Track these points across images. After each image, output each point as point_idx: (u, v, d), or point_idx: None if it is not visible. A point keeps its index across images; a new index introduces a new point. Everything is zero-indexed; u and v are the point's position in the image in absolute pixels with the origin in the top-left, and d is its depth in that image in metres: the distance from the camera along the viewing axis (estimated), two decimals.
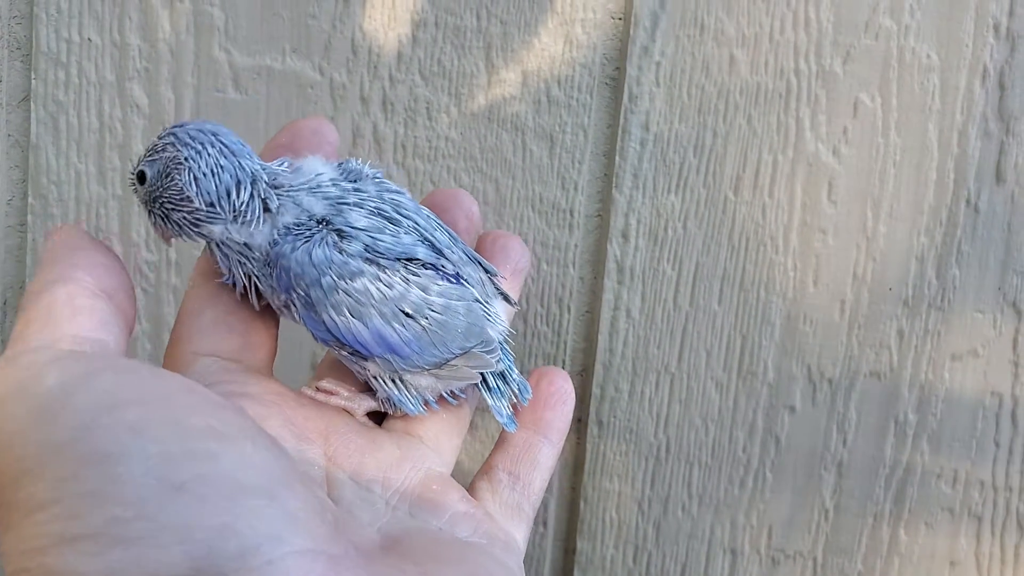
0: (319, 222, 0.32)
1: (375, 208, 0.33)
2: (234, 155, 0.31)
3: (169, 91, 0.46)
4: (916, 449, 0.47)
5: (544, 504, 0.48)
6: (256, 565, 0.24)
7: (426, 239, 0.33)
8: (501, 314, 0.35)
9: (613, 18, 0.45)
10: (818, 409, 0.47)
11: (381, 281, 0.32)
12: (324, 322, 0.32)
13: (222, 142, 0.31)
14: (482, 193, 0.46)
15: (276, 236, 0.32)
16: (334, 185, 0.33)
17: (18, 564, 0.24)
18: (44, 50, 0.45)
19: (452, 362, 0.33)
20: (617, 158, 0.45)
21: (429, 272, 0.32)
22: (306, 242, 0.31)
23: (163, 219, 0.32)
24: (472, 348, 0.33)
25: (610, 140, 0.46)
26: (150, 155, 0.32)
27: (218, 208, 0.31)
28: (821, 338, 0.47)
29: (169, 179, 0.31)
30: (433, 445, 0.34)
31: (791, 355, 0.47)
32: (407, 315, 0.32)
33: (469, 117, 0.46)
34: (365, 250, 0.32)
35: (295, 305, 0.32)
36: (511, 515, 0.34)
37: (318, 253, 0.31)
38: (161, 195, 0.32)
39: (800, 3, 0.44)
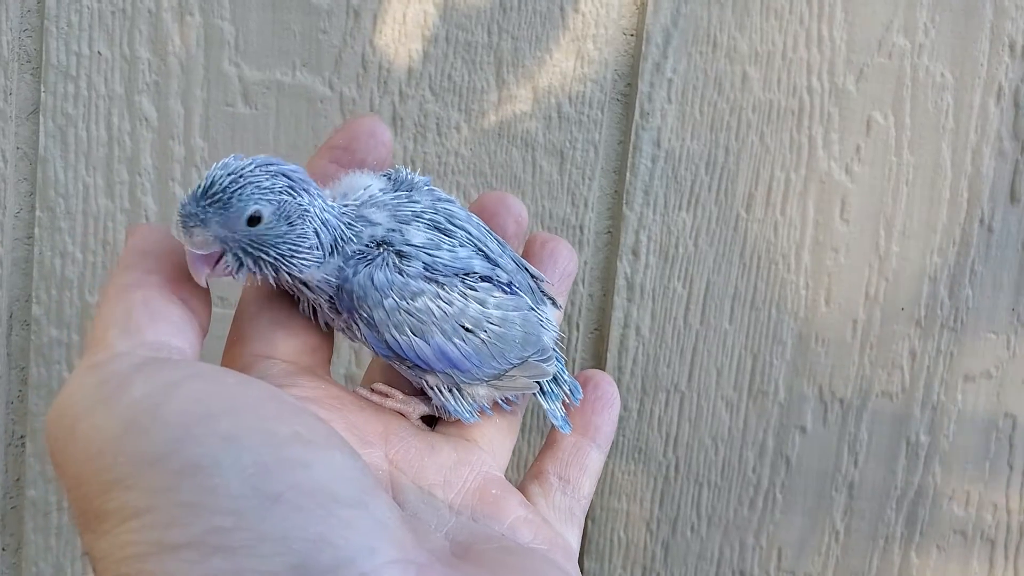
0: (379, 244, 0.32)
1: (430, 220, 0.33)
2: (323, 199, 0.32)
3: (179, 105, 0.45)
4: (928, 471, 0.47)
5: None
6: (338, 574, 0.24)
7: (480, 250, 0.33)
8: (552, 319, 0.35)
9: (625, 34, 0.45)
10: (829, 429, 0.47)
11: (441, 299, 0.32)
12: (386, 341, 0.32)
13: (318, 192, 0.31)
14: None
15: (342, 264, 0.32)
16: (385, 194, 0.33)
17: (116, 571, 0.24)
18: (54, 63, 0.45)
19: (510, 372, 0.34)
20: (628, 175, 0.45)
21: (485, 285, 0.33)
22: (367, 265, 0.32)
23: (260, 261, 0.31)
24: (529, 357, 0.34)
25: (621, 157, 0.45)
26: (256, 190, 0.30)
27: (328, 253, 0.32)
28: (833, 358, 0.46)
29: (291, 225, 0.31)
30: (488, 448, 0.34)
31: (802, 375, 0.46)
32: (467, 330, 0.33)
33: (479, 133, 0.45)
34: (424, 269, 0.32)
35: (358, 325, 0.33)
36: (564, 519, 0.34)
37: (379, 276, 0.32)
38: (279, 238, 0.31)
39: (813, 21, 0.44)
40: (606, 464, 0.47)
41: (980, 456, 0.47)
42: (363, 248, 0.32)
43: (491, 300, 0.33)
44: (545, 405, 0.35)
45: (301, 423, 0.26)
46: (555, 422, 0.35)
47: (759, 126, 0.45)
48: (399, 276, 0.32)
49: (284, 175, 0.30)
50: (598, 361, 0.47)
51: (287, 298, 0.34)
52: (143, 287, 0.29)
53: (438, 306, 0.32)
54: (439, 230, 0.33)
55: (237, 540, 0.24)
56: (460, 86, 0.45)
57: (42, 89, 0.45)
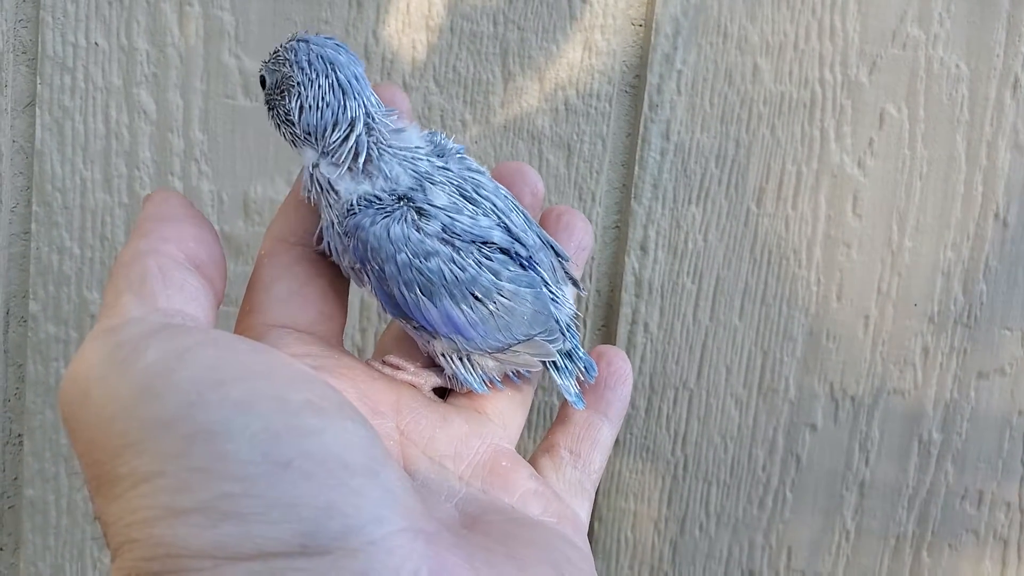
0: (400, 199, 0.32)
1: (457, 187, 0.33)
2: (343, 93, 0.32)
3: (177, 97, 0.44)
4: (940, 469, 0.46)
5: None
6: (359, 545, 0.24)
7: (503, 223, 0.33)
8: (569, 298, 0.35)
9: (634, 24, 0.44)
10: (840, 427, 0.46)
11: (455, 263, 0.32)
12: (394, 296, 0.32)
13: (336, 75, 0.32)
14: None
15: (355, 202, 0.32)
16: (427, 161, 0.33)
17: (125, 535, 0.24)
18: (50, 54, 0.44)
19: (515, 347, 0.33)
20: (636, 168, 0.44)
21: (502, 257, 0.33)
22: (385, 217, 0.32)
23: (275, 125, 0.33)
24: (536, 336, 0.33)
25: (629, 150, 0.45)
26: (273, 62, 0.33)
27: (314, 139, 0.32)
28: (844, 354, 0.45)
29: (281, 95, 0.33)
30: (499, 421, 0.34)
31: (813, 372, 0.45)
32: (476, 298, 0.32)
33: (485, 125, 0.44)
34: (443, 230, 0.32)
35: (369, 276, 0.33)
36: (575, 492, 0.34)
37: (396, 230, 0.32)
38: (274, 106, 0.33)
39: (826, 11, 0.43)
40: (613, 463, 0.47)
41: (993, 454, 0.46)
42: (383, 197, 0.32)
43: (505, 273, 0.32)
44: (559, 380, 0.35)
45: (313, 391, 0.26)
46: (568, 398, 0.35)
47: (770, 119, 0.44)
48: (416, 232, 0.32)
49: (320, 55, 0.32)
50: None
51: (302, 268, 0.34)
52: (158, 254, 0.29)
53: (450, 269, 0.32)
54: (464, 196, 0.33)
55: (246, 506, 0.24)
56: (465, 78, 0.44)
57: (38, 81, 0.44)
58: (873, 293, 0.45)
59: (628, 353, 0.46)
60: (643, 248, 0.45)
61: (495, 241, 0.33)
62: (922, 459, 0.46)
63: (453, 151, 0.34)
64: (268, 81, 0.33)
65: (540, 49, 0.44)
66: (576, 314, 0.35)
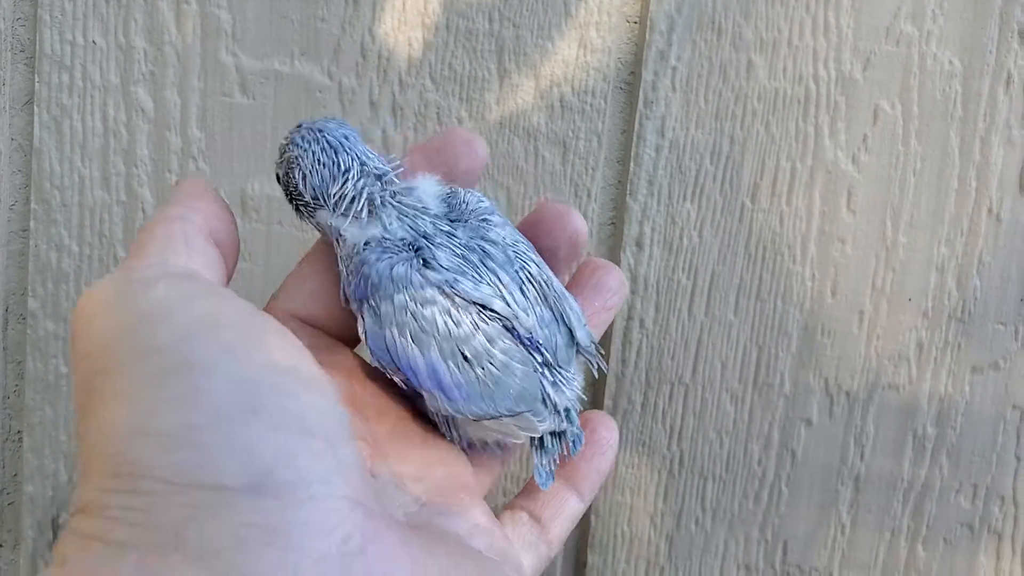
0: (408, 247, 0.33)
1: (461, 255, 0.33)
2: (334, 151, 0.33)
3: (175, 95, 0.45)
4: (935, 463, 0.46)
5: None
6: (303, 498, 0.25)
7: (503, 297, 0.33)
8: (575, 380, 0.34)
9: (629, 22, 0.44)
10: (835, 422, 0.46)
11: (451, 317, 0.32)
12: (385, 338, 0.32)
13: (326, 138, 0.33)
14: (493, 200, 0.45)
15: (363, 244, 0.33)
16: (432, 223, 0.33)
17: (95, 451, 0.26)
18: (48, 53, 0.44)
19: (499, 419, 0.33)
20: (632, 165, 0.45)
21: (499, 327, 0.32)
22: (391, 257, 0.32)
23: (295, 211, 0.35)
24: (521, 412, 0.33)
25: (624, 146, 0.45)
26: (279, 155, 0.35)
27: (322, 201, 0.33)
28: (839, 349, 0.46)
29: (289, 177, 0.34)
30: (476, 463, 0.34)
31: (808, 367, 0.46)
32: (465, 358, 0.32)
33: (481, 122, 0.45)
34: (444, 282, 0.32)
35: (363, 317, 0.33)
36: (526, 547, 0.34)
37: (399, 269, 0.32)
38: (289, 191, 0.34)
39: (820, 8, 0.43)
40: None
41: (987, 448, 0.46)
42: (392, 241, 0.33)
43: (500, 343, 0.32)
44: (535, 458, 0.34)
45: (303, 362, 0.27)
46: (537, 479, 0.34)
47: (765, 115, 0.44)
48: (418, 276, 0.32)
49: (310, 128, 0.34)
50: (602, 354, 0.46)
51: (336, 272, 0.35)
52: (185, 221, 0.31)
53: (445, 321, 0.32)
54: (467, 261, 0.33)
55: (208, 440, 0.25)
56: (461, 75, 0.44)
57: (36, 79, 0.45)
58: (868, 288, 0.45)
59: (624, 349, 0.46)
60: (639, 244, 0.45)
61: (496, 309, 0.32)
62: (917, 453, 0.46)
63: (477, 212, 0.34)
64: (280, 174, 0.34)
65: (535, 46, 0.44)
66: (581, 396, 0.34)
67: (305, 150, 0.33)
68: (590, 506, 0.47)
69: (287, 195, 0.34)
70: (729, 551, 0.47)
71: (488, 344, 0.32)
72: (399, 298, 0.32)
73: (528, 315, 0.33)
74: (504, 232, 0.34)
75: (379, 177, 0.33)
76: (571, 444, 0.34)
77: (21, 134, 0.45)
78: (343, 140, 0.33)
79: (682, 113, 0.44)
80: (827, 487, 0.47)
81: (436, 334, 0.32)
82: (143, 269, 0.29)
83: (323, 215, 0.33)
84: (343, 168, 0.33)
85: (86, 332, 0.27)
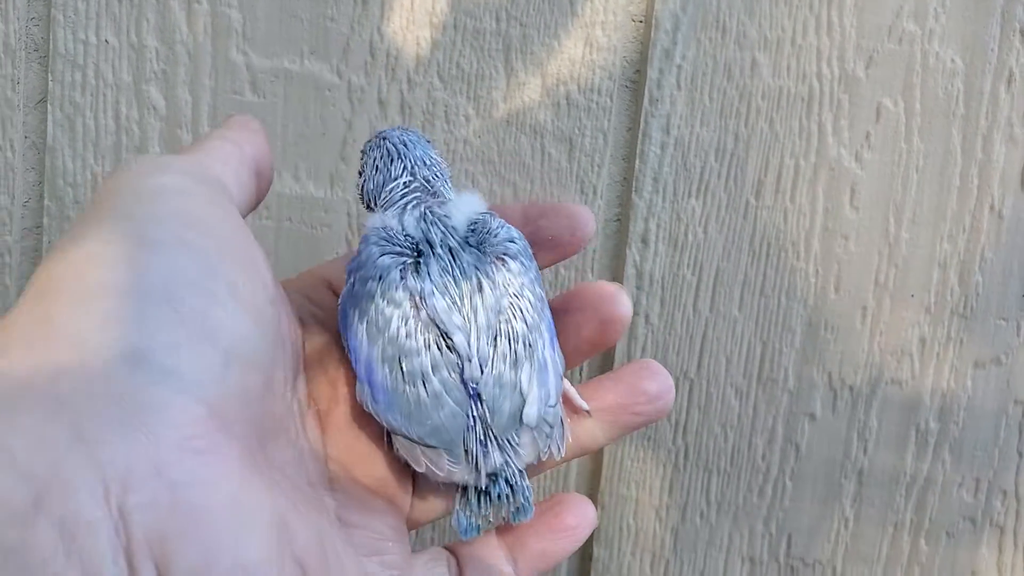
0: (411, 247, 0.33)
1: (452, 276, 0.32)
2: (391, 158, 0.35)
3: (186, 93, 0.45)
4: (937, 458, 0.47)
5: None
6: (168, 387, 0.25)
7: (468, 336, 0.32)
8: (518, 450, 0.32)
9: (634, 21, 0.45)
10: (839, 417, 0.47)
11: (407, 326, 0.31)
12: (347, 314, 0.33)
13: (387, 145, 0.35)
14: (500, 197, 0.46)
15: (374, 228, 0.34)
16: (445, 232, 0.33)
17: (42, 272, 0.28)
18: (61, 52, 0.45)
19: (412, 442, 0.32)
20: (637, 162, 0.45)
21: (453, 359, 0.31)
22: (389, 246, 0.32)
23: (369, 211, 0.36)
24: (433, 447, 0.32)
25: (630, 144, 0.45)
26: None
27: (374, 202, 0.35)
28: (842, 345, 0.46)
29: (358, 182, 0.36)
30: (416, 498, 0.34)
31: (812, 362, 0.46)
32: (401, 370, 0.31)
33: (488, 120, 0.45)
34: (420, 292, 0.32)
35: (345, 287, 0.33)
36: None
37: (386, 260, 0.32)
38: (359, 196, 0.36)
39: (823, 7, 0.44)
40: (615, 451, 0.47)
41: (989, 443, 0.47)
42: (398, 236, 0.33)
43: (444, 373, 0.31)
44: (455, 505, 0.33)
45: (257, 292, 0.29)
46: (455, 521, 0.33)
47: (768, 113, 0.45)
48: (397, 276, 0.32)
49: (377, 135, 0.36)
50: (607, 349, 0.47)
51: None
52: (234, 143, 0.33)
53: (398, 328, 0.31)
54: (455, 283, 0.32)
55: (119, 306, 0.26)
56: (468, 73, 0.45)
57: (50, 78, 0.45)
58: (871, 284, 0.46)
59: (629, 344, 0.46)
60: (644, 241, 0.46)
61: (455, 343, 0.31)
62: (919, 448, 0.47)
63: (498, 246, 0.33)
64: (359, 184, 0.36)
65: (542, 45, 0.44)
66: (518, 469, 0.32)
67: (368, 156, 0.35)
68: (596, 500, 0.48)
69: (360, 199, 0.36)
70: (734, 544, 0.48)
71: (430, 369, 0.31)
72: (371, 285, 0.32)
73: (484, 366, 0.31)
74: (512, 279, 0.33)
75: (426, 183, 0.34)
76: (510, 512, 0.33)
77: (35, 132, 0.46)
78: (401, 147, 0.35)
79: (687, 111, 0.45)
80: (831, 481, 0.47)
81: (386, 335, 0.31)
82: (178, 161, 0.30)
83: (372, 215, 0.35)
84: (394, 176, 0.34)
85: (94, 196, 0.29)
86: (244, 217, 0.32)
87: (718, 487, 0.47)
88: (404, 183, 0.34)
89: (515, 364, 0.32)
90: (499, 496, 0.32)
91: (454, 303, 0.32)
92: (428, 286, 0.32)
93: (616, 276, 0.46)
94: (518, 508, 0.33)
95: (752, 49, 0.44)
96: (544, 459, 0.33)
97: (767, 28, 0.44)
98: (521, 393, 0.32)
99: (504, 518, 0.33)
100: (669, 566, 0.48)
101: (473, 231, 0.33)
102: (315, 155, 0.46)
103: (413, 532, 0.35)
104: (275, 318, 0.30)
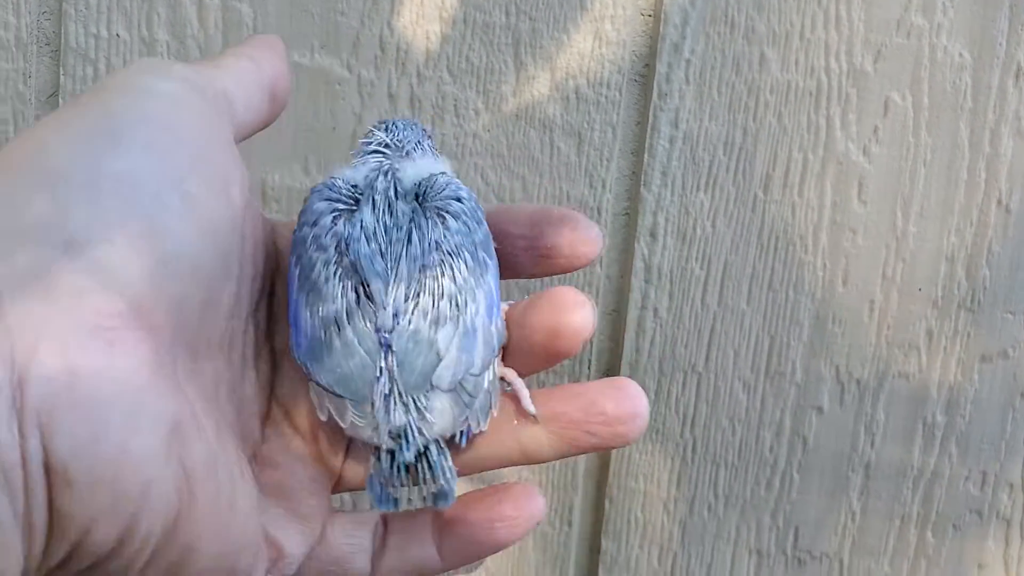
0: (353, 194, 0.32)
1: (386, 226, 0.31)
2: (378, 130, 0.35)
3: None
4: (944, 451, 0.47)
5: (569, 503, 0.48)
6: (94, 278, 0.26)
7: (386, 287, 0.31)
8: (426, 415, 0.30)
9: (643, 15, 0.45)
10: (846, 410, 0.47)
11: (327, 271, 0.31)
12: (289, 257, 0.32)
13: (396, 123, 0.35)
14: (509, 191, 0.46)
15: (330, 178, 0.33)
16: (388, 185, 0.32)
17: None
18: (73, 46, 0.45)
19: (320, 388, 0.31)
20: (646, 156, 0.45)
21: (370, 309, 0.30)
22: (329, 192, 0.32)
23: None
24: (340, 396, 0.31)
25: (639, 138, 0.45)
26: None
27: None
28: (850, 338, 0.46)
29: None
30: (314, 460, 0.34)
31: (819, 355, 0.46)
32: (320, 316, 0.31)
33: (497, 114, 0.45)
34: (346, 239, 0.31)
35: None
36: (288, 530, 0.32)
37: (321, 206, 0.32)
38: None
39: (831, 1, 0.44)
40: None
41: (996, 436, 0.47)
42: (344, 183, 0.33)
43: (359, 324, 0.30)
44: (371, 471, 0.31)
45: (220, 211, 0.29)
46: (369, 490, 0.31)
47: (777, 107, 0.45)
48: (328, 220, 0.31)
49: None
50: (616, 342, 0.47)
51: None
52: (253, 62, 0.33)
53: (319, 273, 0.31)
54: (387, 232, 0.31)
55: (74, 170, 0.27)
56: (478, 67, 0.45)
57: (61, 72, 0.45)
58: (878, 278, 0.46)
59: (638, 337, 0.47)
60: (652, 234, 0.46)
61: (372, 293, 0.30)
62: (926, 441, 0.47)
63: (441, 202, 0.32)
64: None
65: (551, 39, 0.45)
66: (441, 449, 0.31)
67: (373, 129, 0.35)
68: (604, 493, 0.48)
69: None
70: (741, 537, 0.48)
71: (344, 316, 0.30)
72: (306, 231, 0.31)
73: (400, 318, 0.30)
74: (449, 236, 0.31)
75: (398, 146, 0.34)
76: (430, 494, 0.31)
77: None
78: (390, 121, 0.35)
79: (696, 105, 0.45)
80: (838, 474, 0.47)
81: (308, 280, 0.31)
82: (183, 69, 0.30)
83: None
84: (371, 134, 0.35)
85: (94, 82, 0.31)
86: (249, 135, 0.33)
87: (726, 480, 0.48)
88: (378, 141, 0.34)
89: (436, 322, 0.30)
90: (417, 471, 0.30)
91: (379, 251, 0.31)
92: (357, 232, 0.31)
93: (624, 270, 0.47)
94: (438, 491, 0.31)
95: (760, 43, 0.44)
96: (464, 431, 0.31)
97: (775, 22, 0.44)
98: (437, 353, 0.30)
99: (425, 500, 0.31)
100: (677, 559, 0.48)
101: (419, 186, 0.32)
102: (325, 149, 0.46)
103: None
104: (233, 239, 0.30)
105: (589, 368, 0.47)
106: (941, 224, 0.45)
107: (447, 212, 0.32)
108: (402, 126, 0.35)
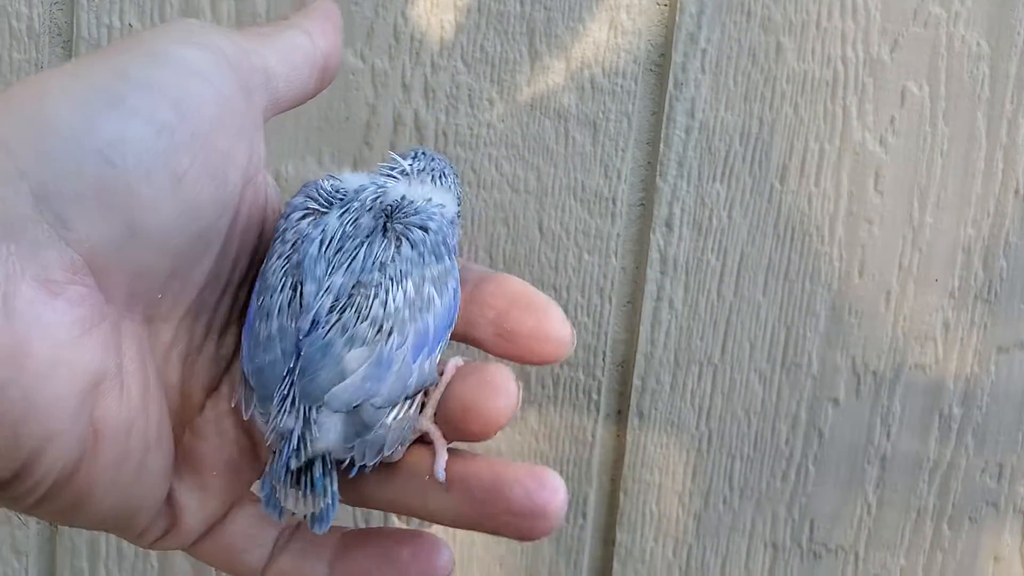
0: (327, 201, 0.32)
1: (344, 233, 0.31)
2: (413, 157, 0.34)
3: None
4: (960, 443, 0.47)
5: (584, 496, 0.48)
6: (50, 222, 0.26)
7: (318, 291, 0.30)
8: (313, 427, 0.29)
9: (659, 4, 0.44)
10: (862, 402, 0.47)
11: (276, 262, 0.31)
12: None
13: (425, 153, 0.34)
14: (524, 181, 0.46)
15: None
16: (369, 197, 0.32)
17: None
18: (85, 36, 0.45)
19: (241, 375, 0.31)
20: (661, 146, 0.45)
21: (298, 308, 0.30)
22: (309, 191, 0.32)
23: None
24: (252, 387, 0.30)
25: (654, 128, 0.45)
26: None
27: None
28: (866, 330, 0.46)
29: None
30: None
31: (836, 347, 0.46)
32: (259, 305, 0.31)
33: (511, 104, 0.45)
34: (300, 240, 0.31)
35: None
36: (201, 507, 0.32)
37: (296, 202, 0.32)
38: None
39: None
40: (639, 436, 0.47)
41: (1013, 428, 0.47)
42: (324, 193, 0.32)
43: (279, 321, 0.30)
44: (267, 470, 0.30)
45: (200, 180, 0.29)
46: (261, 489, 0.30)
47: (793, 97, 0.44)
48: (296, 216, 0.31)
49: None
50: (631, 334, 0.47)
51: None
52: (306, 36, 0.32)
53: (271, 264, 0.31)
54: (341, 239, 0.31)
55: (66, 125, 0.27)
56: (492, 57, 0.45)
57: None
58: (895, 269, 0.46)
59: (653, 329, 0.46)
60: (668, 225, 0.46)
61: (304, 292, 0.30)
62: (943, 433, 0.47)
63: (403, 222, 0.31)
64: None
65: (566, 28, 0.44)
66: (330, 472, 0.29)
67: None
68: (619, 485, 0.48)
69: None
70: (756, 529, 0.48)
71: (275, 310, 0.30)
72: (280, 222, 0.32)
73: (318, 325, 0.30)
74: (398, 261, 0.30)
75: (419, 173, 0.33)
76: (309, 514, 0.30)
77: None
78: (422, 155, 0.34)
79: (712, 95, 0.45)
80: (854, 466, 0.47)
81: (263, 272, 0.31)
82: (222, 39, 0.30)
83: None
84: (394, 160, 0.34)
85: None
86: (290, 108, 0.32)
87: (741, 472, 0.47)
88: (398, 167, 0.33)
89: (350, 340, 0.29)
90: (300, 483, 0.30)
91: (325, 257, 0.30)
92: (315, 233, 0.31)
93: (640, 261, 0.46)
94: (316, 512, 0.30)
95: (777, 33, 0.44)
96: (349, 462, 0.30)
97: (792, 12, 0.44)
98: (342, 372, 0.29)
99: (306, 518, 0.30)
100: (692, 551, 0.48)
101: (394, 205, 0.31)
102: (339, 139, 0.45)
103: None
104: (220, 219, 0.30)
105: (604, 361, 0.47)
106: (958, 214, 0.45)
107: (405, 237, 0.31)
108: (429, 157, 0.34)
